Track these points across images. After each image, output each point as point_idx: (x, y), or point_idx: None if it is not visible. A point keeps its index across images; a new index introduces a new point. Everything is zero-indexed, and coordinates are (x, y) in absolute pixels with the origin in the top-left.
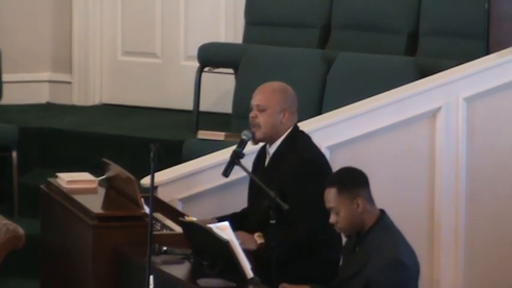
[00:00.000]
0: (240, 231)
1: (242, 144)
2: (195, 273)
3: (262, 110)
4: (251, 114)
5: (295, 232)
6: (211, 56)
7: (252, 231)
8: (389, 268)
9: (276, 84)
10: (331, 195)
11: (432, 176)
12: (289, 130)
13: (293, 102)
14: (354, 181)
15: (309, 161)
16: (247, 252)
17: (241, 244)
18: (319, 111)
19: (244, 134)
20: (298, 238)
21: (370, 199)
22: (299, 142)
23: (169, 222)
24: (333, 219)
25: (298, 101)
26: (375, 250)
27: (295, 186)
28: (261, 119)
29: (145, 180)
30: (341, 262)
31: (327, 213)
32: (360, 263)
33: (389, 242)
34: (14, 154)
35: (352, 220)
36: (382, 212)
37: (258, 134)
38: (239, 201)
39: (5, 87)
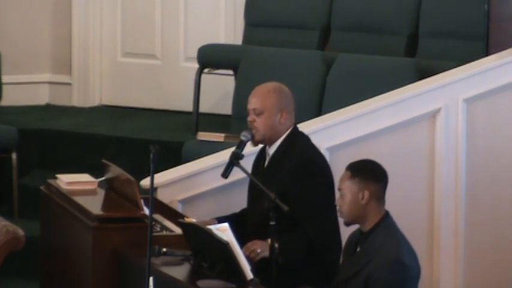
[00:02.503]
0: (255, 241)
1: (241, 145)
2: (195, 275)
3: (259, 113)
4: (249, 119)
5: (308, 233)
6: (211, 57)
7: (251, 232)
8: (389, 267)
9: (270, 86)
10: (343, 177)
11: (432, 177)
12: (288, 131)
13: (289, 101)
14: (368, 173)
15: (308, 161)
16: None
17: (261, 253)
18: (318, 113)
19: (243, 135)
20: (311, 238)
21: (379, 197)
22: (298, 143)
23: (169, 224)
24: (338, 201)
25: (297, 102)
26: (377, 250)
27: (298, 187)
28: (259, 122)
29: (145, 182)
30: (341, 262)
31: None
32: (361, 262)
33: (391, 242)
34: (14, 155)
35: (353, 208)
36: (386, 212)
37: (258, 136)
38: (239, 202)
39: (5, 88)
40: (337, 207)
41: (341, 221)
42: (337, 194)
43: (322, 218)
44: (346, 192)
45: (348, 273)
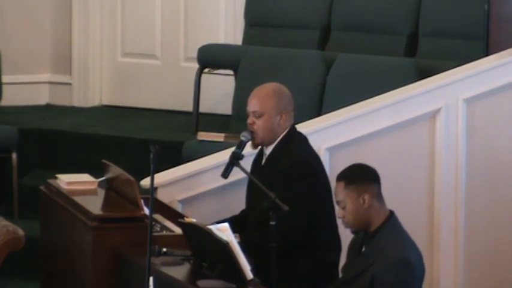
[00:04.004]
0: None
1: (241, 145)
2: (195, 275)
3: (259, 116)
4: (248, 121)
5: (280, 231)
6: (211, 57)
7: (250, 231)
8: (395, 268)
9: (269, 87)
10: (339, 189)
11: (432, 177)
12: (285, 131)
13: (289, 102)
14: (362, 176)
15: (301, 162)
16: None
17: None
18: (318, 113)
19: (243, 136)
20: (281, 238)
21: (378, 197)
22: (294, 143)
23: (169, 224)
24: (339, 213)
25: (297, 102)
26: (382, 250)
27: (283, 187)
28: (259, 124)
29: (145, 182)
30: (345, 262)
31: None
32: (366, 262)
33: (397, 242)
34: (14, 155)
35: (357, 215)
36: (391, 212)
37: (258, 139)
38: (239, 202)
39: (5, 88)
40: (341, 220)
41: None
42: (336, 208)
43: (296, 221)
44: (346, 202)
45: (352, 273)
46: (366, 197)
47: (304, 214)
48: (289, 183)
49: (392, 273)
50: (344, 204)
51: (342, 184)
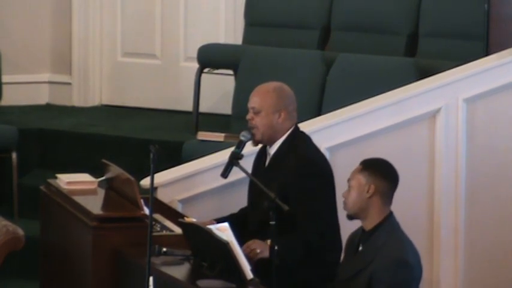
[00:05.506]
0: (255, 240)
1: (240, 145)
2: (195, 274)
3: (257, 112)
4: (247, 117)
5: (306, 232)
6: (211, 57)
7: (252, 232)
8: (394, 267)
9: (271, 85)
10: (355, 170)
11: (432, 177)
12: (289, 131)
13: (290, 102)
14: (379, 170)
15: (309, 162)
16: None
17: (260, 253)
18: (318, 112)
19: (243, 135)
20: (309, 238)
21: (384, 195)
22: (300, 143)
23: (169, 223)
24: (345, 193)
25: (297, 102)
26: (380, 249)
27: (299, 186)
28: (257, 120)
29: (145, 181)
30: (342, 261)
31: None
32: (364, 261)
33: (395, 242)
34: (14, 155)
35: (357, 201)
36: (390, 213)
37: (257, 136)
38: (239, 202)
39: (5, 88)
40: (343, 200)
41: (343, 220)
42: (345, 188)
43: (320, 219)
44: (353, 185)
45: (350, 272)
46: (372, 187)
47: (322, 213)
48: (302, 182)
49: (391, 273)
50: (351, 186)
51: (359, 167)
